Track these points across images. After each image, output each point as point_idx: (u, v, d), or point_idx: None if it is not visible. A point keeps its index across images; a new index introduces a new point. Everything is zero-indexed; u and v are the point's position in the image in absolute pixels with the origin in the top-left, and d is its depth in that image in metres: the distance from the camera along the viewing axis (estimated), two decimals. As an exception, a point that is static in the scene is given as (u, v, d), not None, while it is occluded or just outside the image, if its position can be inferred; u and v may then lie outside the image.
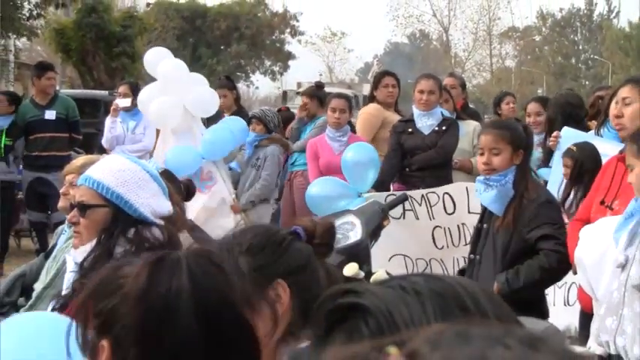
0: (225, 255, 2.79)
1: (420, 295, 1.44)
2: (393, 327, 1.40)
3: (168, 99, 9.92)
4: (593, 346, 5.64)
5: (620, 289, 5.14)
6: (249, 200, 10.84)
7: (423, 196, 9.09)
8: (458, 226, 8.91)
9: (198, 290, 2.25)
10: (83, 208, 4.31)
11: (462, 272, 6.80)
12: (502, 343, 1.18)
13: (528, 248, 6.15)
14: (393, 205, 7.90)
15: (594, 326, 5.68)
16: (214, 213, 9.99)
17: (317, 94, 12.40)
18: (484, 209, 6.44)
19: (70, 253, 5.01)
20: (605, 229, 5.64)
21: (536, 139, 9.01)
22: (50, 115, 13.07)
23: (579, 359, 1.20)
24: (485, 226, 6.40)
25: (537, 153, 9.26)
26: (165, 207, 4.47)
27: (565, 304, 7.87)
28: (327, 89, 13.48)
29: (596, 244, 5.61)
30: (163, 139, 10.13)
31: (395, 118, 10.48)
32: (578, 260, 5.74)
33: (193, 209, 8.75)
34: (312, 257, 3.02)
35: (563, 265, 6.15)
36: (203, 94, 10.29)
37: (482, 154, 6.30)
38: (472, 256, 6.46)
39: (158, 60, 10.42)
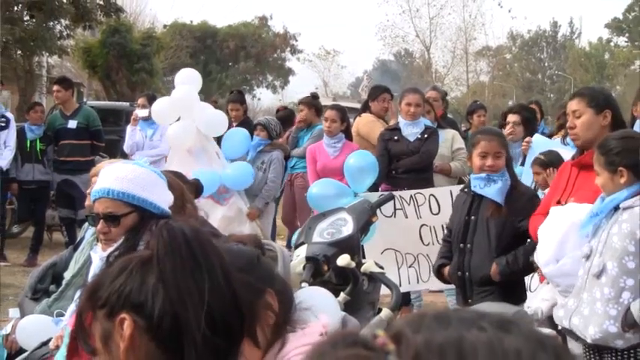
0: None
1: None
2: None
3: (183, 123, 9.96)
4: (532, 306, 5.68)
5: (583, 276, 5.18)
6: (265, 203, 11.00)
7: (411, 196, 9.17)
8: (442, 225, 8.93)
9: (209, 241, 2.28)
10: (114, 218, 4.28)
11: (440, 267, 6.77)
12: (477, 326, 1.19)
13: (518, 235, 6.18)
14: (380, 204, 7.89)
15: (545, 296, 5.72)
16: (233, 221, 10.03)
17: (314, 103, 12.56)
18: (471, 203, 6.44)
19: (95, 250, 5.00)
20: (570, 212, 5.70)
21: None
22: (72, 124, 13.24)
23: (545, 340, 1.20)
24: (473, 217, 6.41)
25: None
26: (171, 196, 4.47)
27: (528, 291, 7.94)
28: (340, 103, 13.72)
29: (559, 223, 5.66)
30: (178, 158, 10.05)
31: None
32: (540, 233, 5.78)
33: (215, 219, 8.76)
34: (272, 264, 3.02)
35: None
36: (213, 116, 10.30)
37: (484, 157, 6.34)
38: (462, 245, 6.44)
39: (186, 80, 10.45)
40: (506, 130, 10.04)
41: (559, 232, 5.62)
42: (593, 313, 5.07)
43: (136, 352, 2.18)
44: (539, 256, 5.70)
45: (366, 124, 11.02)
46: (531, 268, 6.16)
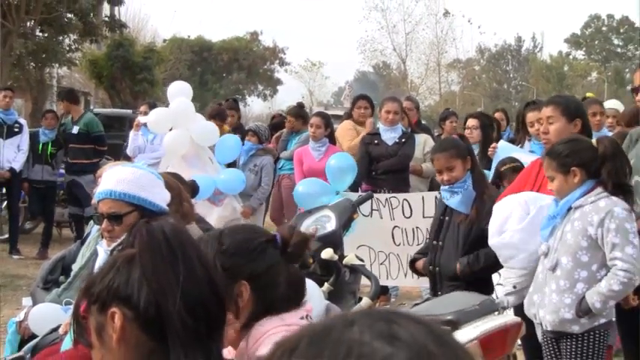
0: (205, 245, 2.80)
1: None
2: None
3: (177, 132, 9.93)
4: (499, 296, 5.68)
5: (543, 272, 5.21)
6: (260, 203, 11.18)
7: (387, 199, 9.20)
8: (413, 229, 9.00)
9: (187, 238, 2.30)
10: (117, 217, 4.27)
11: (414, 261, 6.74)
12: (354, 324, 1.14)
13: (484, 237, 6.11)
14: (360, 202, 7.88)
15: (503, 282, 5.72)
16: (228, 220, 10.01)
17: (300, 114, 12.60)
18: (445, 206, 6.39)
19: (101, 245, 4.98)
20: (519, 195, 5.79)
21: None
22: (75, 129, 13.33)
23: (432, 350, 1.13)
24: (447, 218, 6.32)
25: None
26: (168, 195, 4.45)
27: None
28: (328, 110, 13.84)
29: (507, 203, 5.73)
30: (172, 164, 9.98)
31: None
32: (494, 211, 5.79)
33: (211, 219, 8.73)
34: (275, 266, 2.94)
35: None
36: (206, 127, 10.29)
37: (440, 173, 6.27)
38: (435, 242, 6.37)
39: (177, 92, 10.42)
40: (466, 133, 10.09)
41: (505, 210, 5.66)
42: (550, 302, 5.11)
43: (128, 341, 2.20)
44: (489, 230, 5.72)
45: (340, 130, 11.15)
46: (493, 267, 6.10)
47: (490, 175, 8.39)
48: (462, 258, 6.10)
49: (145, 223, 2.29)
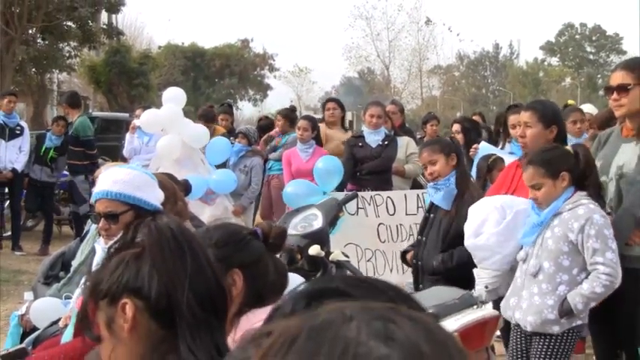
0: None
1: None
2: None
3: (170, 137, 9.93)
4: (479, 291, 5.68)
5: (521, 277, 5.22)
6: (250, 202, 11.31)
7: (371, 196, 9.18)
8: (397, 225, 8.99)
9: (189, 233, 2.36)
10: (114, 216, 4.25)
11: (405, 252, 6.74)
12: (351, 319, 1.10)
13: (462, 235, 6.09)
14: (345, 201, 7.90)
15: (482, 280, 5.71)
16: (220, 219, 10.00)
17: (290, 115, 12.56)
18: (431, 203, 6.42)
19: (98, 242, 4.98)
20: (495, 199, 5.81)
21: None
22: (69, 132, 13.31)
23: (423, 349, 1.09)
24: (431, 215, 6.35)
25: None
26: (162, 194, 4.46)
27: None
28: (318, 115, 13.90)
29: (483, 206, 5.73)
30: (164, 166, 9.96)
31: (335, 134, 10.66)
32: (470, 213, 5.79)
33: (203, 218, 8.73)
34: (264, 255, 3.03)
35: None
36: (196, 130, 10.28)
37: (425, 168, 6.33)
38: (419, 237, 6.42)
39: (171, 97, 10.44)
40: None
41: (482, 214, 5.66)
42: (531, 304, 5.12)
43: (139, 330, 2.23)
44: (465, 232, 5.74)
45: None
46: (466, 265, 6.08)
47: (473, 174, 8.45)
48: (437, 255, 6.12)
49: (152, 221, 2.32)
